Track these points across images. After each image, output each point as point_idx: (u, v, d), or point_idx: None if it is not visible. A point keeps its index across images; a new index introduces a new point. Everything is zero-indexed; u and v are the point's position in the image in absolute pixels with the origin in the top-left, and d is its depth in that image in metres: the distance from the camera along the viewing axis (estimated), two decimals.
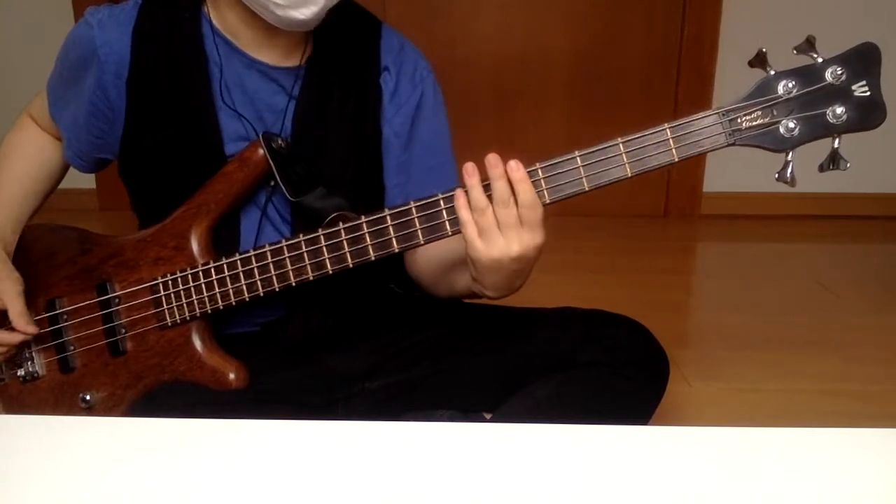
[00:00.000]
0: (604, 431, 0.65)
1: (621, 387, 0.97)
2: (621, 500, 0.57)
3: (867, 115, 0.78)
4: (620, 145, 0.81)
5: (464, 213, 0.81)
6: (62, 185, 1.16)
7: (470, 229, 0.81)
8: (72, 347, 1.02)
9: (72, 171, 1.13)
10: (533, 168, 0.82)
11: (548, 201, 0.82)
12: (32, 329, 1.00)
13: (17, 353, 1.04)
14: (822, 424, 0.65)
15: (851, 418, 1.43)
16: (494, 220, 0.80)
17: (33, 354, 1.04)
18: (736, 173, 2.66)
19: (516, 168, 0.80)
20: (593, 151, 0.81)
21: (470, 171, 0.81)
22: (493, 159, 0.80)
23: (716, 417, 1.43)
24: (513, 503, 0.56)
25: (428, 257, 1.02)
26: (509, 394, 0.98)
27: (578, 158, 0.81)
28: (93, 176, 2.62)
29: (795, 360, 1.65)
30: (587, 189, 0.82)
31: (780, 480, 0.59)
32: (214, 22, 0.98)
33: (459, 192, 0.82)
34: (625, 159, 0.81)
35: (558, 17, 2.62)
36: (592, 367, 0.97)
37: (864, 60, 0.78)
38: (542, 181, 0.82)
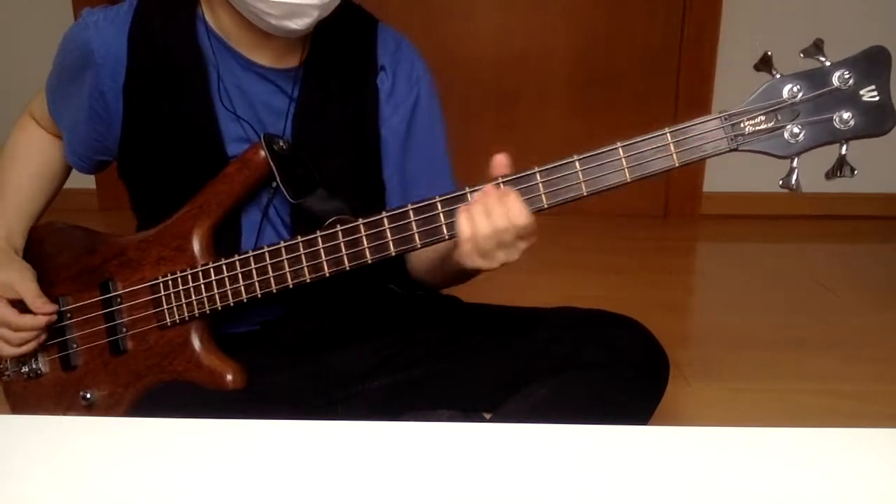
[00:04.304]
0: (604, 431, 0.65)
1: (621, 387, 0.97)
2: (621, 500, 0.57)
3: (876, 121, 0.75)
4: (620, 150, 0.80)
5: (466, 233, 0.82)
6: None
7: (468, 247, 0.83)
8: (74, 345, 1.02)
9: (72, 171, 1.13)
10: (531, 172, 0.82)
11: (545, 206, 0.82)
12: (51, 307, 1.00)
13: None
14: (822, 424, 0.65)
15: (851, 418, 1.43)
16: (496, 243, 0.81)
17: (37, 352, 1.04)
18: (736, 173, 2.65)
19: (507, 193, 0.81)
20: (592, 156, 0.81)
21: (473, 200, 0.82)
22: (490, 189, 0.82)
23: (716, 417, 1.43)
24: (513, 503, 0.56)
25: (421, 256, 1.02)
26: (509, 394, 0.98)
27: (577, 163, 0.81)
28: (93, 176, 2.61)
29: (795, 360, 1.65)
30: (585, 194, 0.81)
31: (779, 480, 0.59)
32: (210, 23, 0.98)
33: (462, 215, 0.81)
34: (624, 164, 0.80)
35: (558, 17, 2.61)
36: (592, 367, 0.97)
37: (873, 64, 0.75)
38: (541, 185, 0.82)
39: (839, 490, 0.58)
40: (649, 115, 2.64)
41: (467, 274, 0.91)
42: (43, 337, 1.02)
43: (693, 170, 2.70)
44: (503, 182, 0.83)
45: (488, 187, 0.82)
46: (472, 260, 0.83)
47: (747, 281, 2.20)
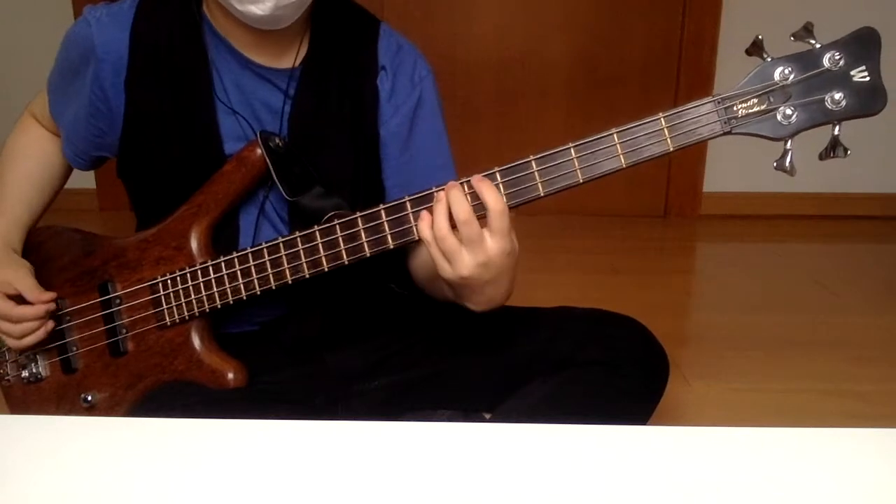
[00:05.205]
0: (603, 431, 0.65)
1: (621, 386, 0.97)
2: (621, 500, 0.57)
3: (867, 101, 0.76)
4: (615, 135, 0.80)
5: (426, 233, 0.82)
6: None
7: (434, 249, 0.82)
8: (74, 348, 1.02)
9: (73, 171, 1.13)
10: (526, 160, 0.82)
11: (542, 194, 0.82)
12: (48, 295, 1.00)
13: (22, 354, 1.04)
14: (822, 424, 0.65)
15: (851, 418, 1.43)
16: (457, 242, 0.80)
17: (37, 356, 1.04)
18: (736, 173, 2.66)
19: (480, 180, 0.81)
20: (588, 142, 0.81)
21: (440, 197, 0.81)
22: (452, 184, 0.81)
23: (715, 417, 1.43)
24: (513, 503, 0.56)
25: (421, 261, 1.02)
26: (509, 393, 0.98)
27: (573, 150, 0.81)
28: (93, 176, 2.63)
29: (795, 360, 1.66)
30: (581, 181, 0.81)
31: (780, 480, 0.59)
32: (210, 21, 0.98)
33: (424, 214, 0.82)
34: (619, 150, 0.80)
35: (558, 18, 2.62)
36: (592, 366, 0.97)
37: (863, 45, 0.76)
38: (537, 173, 0.82)
39: (839, 490, 0.58)
40: (649, 115, 2.65)
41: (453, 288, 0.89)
42: (50, 325, 1.01)
43: (693, 170, 2.71)
44: (501, 170, 0.83)
45: (451, 183, 0.82)
46: (442, 268, 0.82)
47: (747, 281, 2.20)
